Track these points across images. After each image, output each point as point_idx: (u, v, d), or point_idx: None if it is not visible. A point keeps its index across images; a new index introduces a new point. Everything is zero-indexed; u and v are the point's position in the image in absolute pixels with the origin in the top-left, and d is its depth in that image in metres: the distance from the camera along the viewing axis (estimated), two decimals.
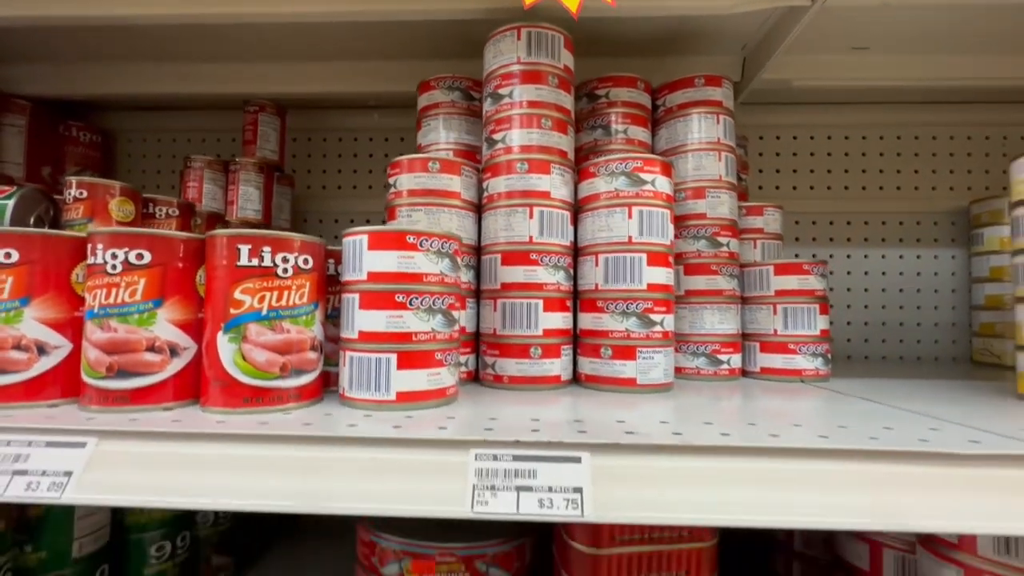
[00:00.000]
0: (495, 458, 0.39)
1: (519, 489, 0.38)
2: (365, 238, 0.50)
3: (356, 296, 0.50)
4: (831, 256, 1.14)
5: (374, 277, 0.49)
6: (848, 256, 1.14)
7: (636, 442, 0.39)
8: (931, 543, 0.47)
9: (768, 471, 0.38)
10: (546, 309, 0.63)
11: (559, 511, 0.37)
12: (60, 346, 0.49)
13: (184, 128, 1.20)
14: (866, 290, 1.14)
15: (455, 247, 0.53)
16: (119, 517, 0.68)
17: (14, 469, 0.40)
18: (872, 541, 0.54)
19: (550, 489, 0.38)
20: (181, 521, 0.73)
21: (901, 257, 1.14)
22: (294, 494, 0.38)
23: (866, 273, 1.14)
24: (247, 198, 0.97)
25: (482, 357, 0.66)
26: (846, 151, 1.14)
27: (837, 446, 0.38)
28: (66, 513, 0.59)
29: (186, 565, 0.74)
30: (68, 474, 0.39)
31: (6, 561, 0.53)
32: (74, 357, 0.50)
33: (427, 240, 0.50)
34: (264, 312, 0.47)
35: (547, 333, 0.62)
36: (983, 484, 0.37)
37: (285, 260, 0.48)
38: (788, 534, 0.72)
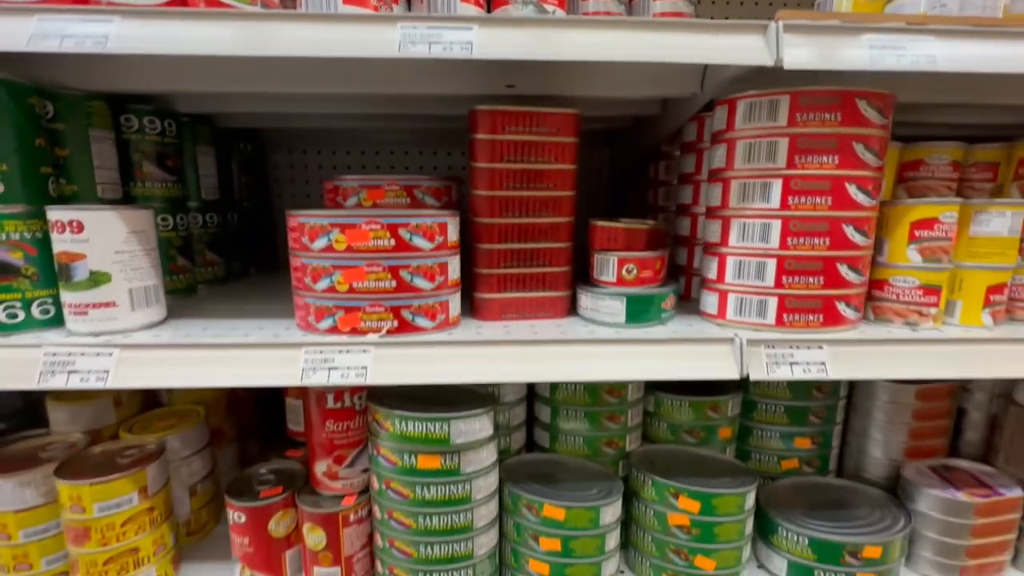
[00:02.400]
0: (414, 27, 0.57)
1: (431, 43, 0.57)
2: None
3: None
4: None
5: None
6: None
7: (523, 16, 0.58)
8: (714, 174, 0.72)
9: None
10: None
11: (455, 53, 0.56)
12: None
13: None
14: None
15: None
16: (127, 189, 0.85)
17: (50, 32, 0.55)
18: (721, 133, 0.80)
19: (451, 42, 0.57)
20: (175, 203, 0.90)
21: None
22: (241, 40, 0.56)
23: None
24: None
25: None
26: None
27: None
28: (87, 159, 0.75)
29: (186, 243, 0.93)
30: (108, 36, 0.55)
31: (51, 174, 0.69)
32: None
33: None
34: None
35: None
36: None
37: None
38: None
